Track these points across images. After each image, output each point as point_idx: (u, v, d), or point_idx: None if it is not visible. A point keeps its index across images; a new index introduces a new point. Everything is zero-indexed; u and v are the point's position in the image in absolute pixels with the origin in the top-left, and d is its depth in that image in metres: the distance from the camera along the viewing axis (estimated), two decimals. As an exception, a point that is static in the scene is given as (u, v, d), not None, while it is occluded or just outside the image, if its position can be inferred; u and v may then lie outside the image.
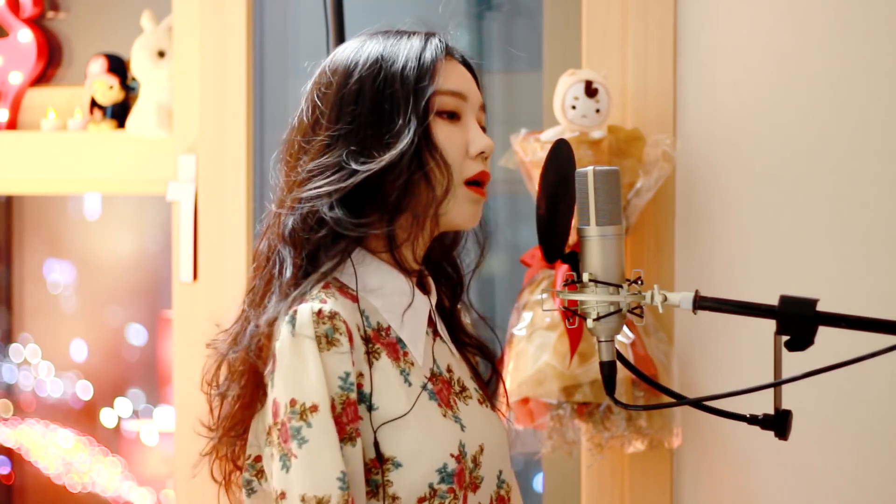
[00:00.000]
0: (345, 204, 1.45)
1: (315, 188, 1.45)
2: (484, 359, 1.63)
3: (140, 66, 2.71)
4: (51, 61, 2.92)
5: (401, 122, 1.45)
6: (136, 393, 3.10)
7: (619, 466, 2.35)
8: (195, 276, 2.64)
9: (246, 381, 1.46)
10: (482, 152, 1.49)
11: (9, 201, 3.15)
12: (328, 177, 1.45)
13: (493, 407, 1.59)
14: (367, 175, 1.44)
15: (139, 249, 3.15)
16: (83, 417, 3.12)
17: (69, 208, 3.16)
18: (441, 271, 1.60)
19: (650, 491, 2.34)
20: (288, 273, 1.44)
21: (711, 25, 2.31)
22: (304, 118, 1.51)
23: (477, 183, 1.50)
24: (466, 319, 1.65)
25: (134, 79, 2.78)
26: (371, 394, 1.41)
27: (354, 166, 1.44)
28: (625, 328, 1.44)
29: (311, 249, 1.45)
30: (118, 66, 2.78)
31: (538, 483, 2.64)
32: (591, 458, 2.25)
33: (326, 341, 1.38)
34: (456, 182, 1.48)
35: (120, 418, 3.09)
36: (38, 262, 3.16)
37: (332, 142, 1.47)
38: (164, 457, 3.03)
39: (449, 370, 1.52)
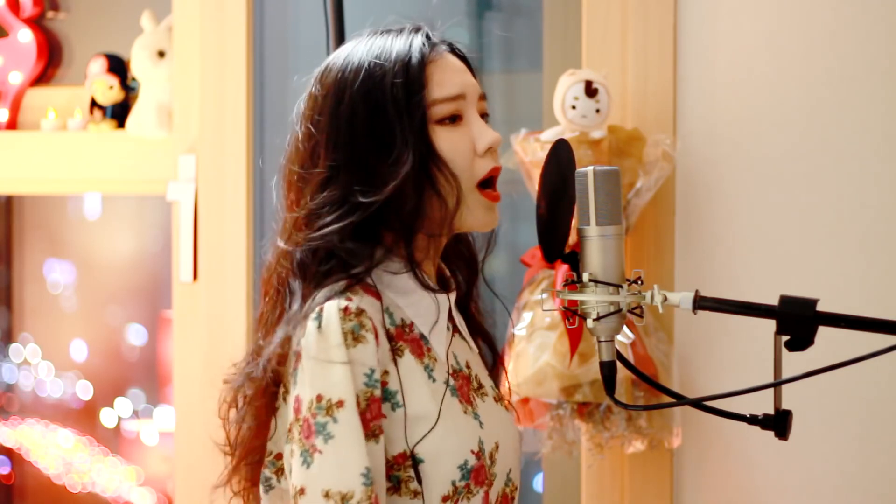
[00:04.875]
0: (356, 233, 1.44)
1: (325, 225, 1.43)
2: (489, 347, 1.63)
3: (140, 66, 2.71)
4: (51, 61, 2.92)
5: (399, 144, 1.43)
6: (136, 393, 3.10)
7: (619, 466, 2.35)
8: (195, 276, 2.64)
9: (261, 411, 1.45)
10: (490, 147, 1.47)
11: (9, 201, 3.15)
12: (334, 212, 1.43)
13: (506, 406, 1.59)
14: (373, 207, 1.43)
15: (139, 249, 3.15)
16: (83, 417, 3.12)
17: (69, 208, 3.16)
18: (453, 250, 1.58)
19: (650, 491, 2.34)
20: (296, 305, 1.43)
21: (711, 26, 2.31)
22: (300, 146, 1.48)
23: (488, 183, 1.48)
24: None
25: (134, 79, 2.78)
26: (399, 391, 1.41)
27: (361, 199, 1.42)
28: (625, 328, 1.44)
29: (321, 281, 1.44)
30: (118, 66, 2.78)
31: (538, 483, 2.64)
32: (591, 458, 2.25)
33: (353, 337, 1.37)
34: (467, 188, 1.46)
35: (120, 418, 3.09)
36: (38, 262, 3.16)
37: (332, 174, 1.45)
38: (164, 457, 3.03)
39: (468, 366, 1.52)
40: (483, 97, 1.51)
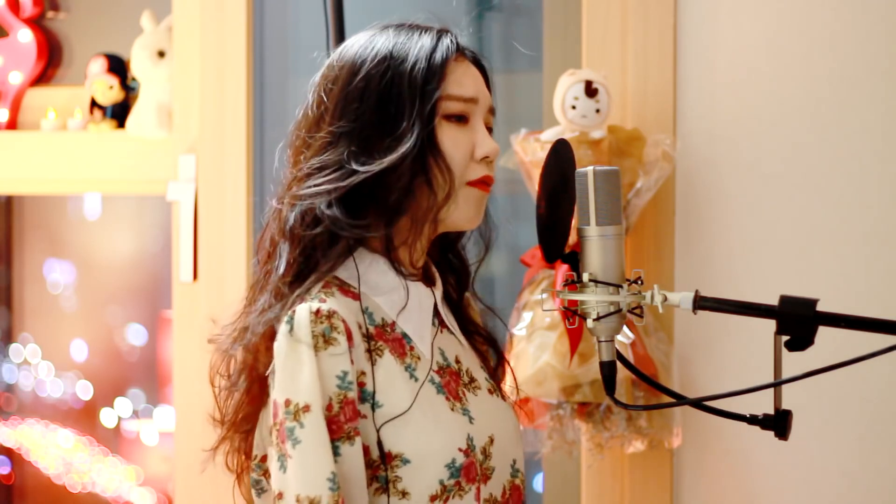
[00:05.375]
0: (344, 203, 1.44)
1: (314, 186, 1.44)
2: (492, 348, 1.63)
3: (140, 66, 2.71)
4: (51, 61, 2.92)
5: (405, 124, 1.44)
6: (136, 393, 3.10)
7: (619, 466, 2.35)
8: (195, 276, 2.64)
9: (249, 376, 1.46)
10: (487, 156, 1.48)
11: (9, 201, 3.15)
12: (327, 175, 1.44)
13: (504, 396, 1.59)
14: (366, 176, 1.43)
15: (139, 249, 3.15)
16: (83, 417, 3.12)
17: (69, 208, 3.16)
18: (446, 262, 1.60)
19: (650, 491, 2.34)
20: (281, 269, 1.44)
21: (711, 26, 2.31)
22: (310, 112, 1.50)
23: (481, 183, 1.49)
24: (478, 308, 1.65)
25: (134, 79, 2.78)
26: (374, 392, 1.41)
27: (354, 166, 1.43)
28: (625, 328, 1.44)
29: (306, 246, 1.45)
30: (118, 66, 2.78)
31: (538, 483, 2.65)
32: (591, 458, 2.25)
33: (323, 340, 1.37)
34: (457, 185, 1.47)
35: (120, 418, 3.09)
36: (38, 262, 3.16)
37: (334, 139, 1.46)
38: (164, 457, 3.03)
39: (457, 361, 1.52)
40: (492, 111, 1.53)
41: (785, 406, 1.40)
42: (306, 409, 1.35)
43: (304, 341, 1.37)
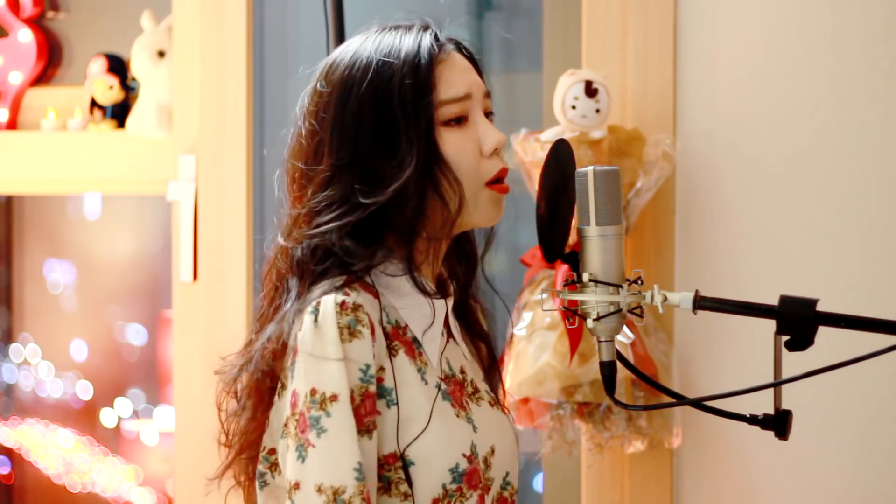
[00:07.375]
0: (356, 232, 1.43)
1: (324, 223, 1.42)
2: (488, 349, 1.62)
3: (140, 66, 2.72)
4: (51, 61, 2.92)
5: (404, 146, 1.42)
6: (136, 393, 3.10)
7: (619, 466, 2.35)
8: (195, 276, 2.64)
9: (256, 404, 1.45)
10: (496, 149, 1.47)
11: (9, 201, 3.15)
12: (335, 211, 1.42)
13: (504, 410, 1.59)
14: (374, 207, 1.42)
15: (139, 249, 3.15)
16: (83, 417, 3.12)
17: (69, 208, 3.16)
18: (457, 248, 1.57)
19: (650, 491, 2.34)
20: (289, 304, 1.43)
21: (711, 25, 2.31)
22: (304, 141, 1.47)
23: (497, 180, 1.48)
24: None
25: (134, 79, 2.78)
26: (393, 389, 1.41)
27: (361, 199, 1.42)
28: (625, 328, 1.44)
29: (317, 279, 1.43)
30: (118, 66, 2.78)
31: (538, 483, 2.65)
32: (591, 458, 2.25)
33: (349, 332, 1.37)
34: (475, 188, 1.46)
35: (120, 418, 3.09)
36: (38, 262, 3.16)
37: (335, 172, 1.44)
38: (164, 457, 3.03)
39: (462, 372, 1.52)
40: (488, 94, 1.50)
41: (785, 406, 1.40)
42: (333, 398, 1.35)
43: (331, 332, 1.36)
